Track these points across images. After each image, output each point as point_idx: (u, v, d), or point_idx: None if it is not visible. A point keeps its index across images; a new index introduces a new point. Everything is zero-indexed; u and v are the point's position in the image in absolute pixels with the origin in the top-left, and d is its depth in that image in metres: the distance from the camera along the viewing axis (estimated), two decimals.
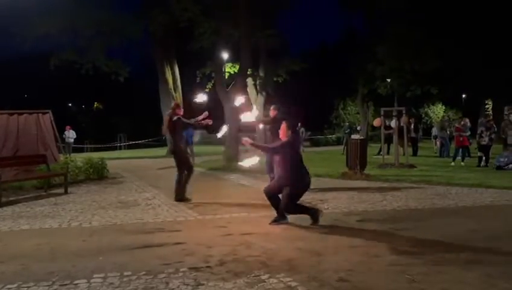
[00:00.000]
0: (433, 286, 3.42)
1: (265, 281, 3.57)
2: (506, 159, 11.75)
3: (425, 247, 4.51)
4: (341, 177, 10.33)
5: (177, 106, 7.79)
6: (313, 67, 28.71)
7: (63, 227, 5.83)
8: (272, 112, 8.16)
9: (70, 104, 47.72)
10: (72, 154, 17.26)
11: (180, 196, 7.52)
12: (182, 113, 7.69)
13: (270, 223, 5.66)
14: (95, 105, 49.29)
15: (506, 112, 13.66)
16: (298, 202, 5.60)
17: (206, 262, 4.10)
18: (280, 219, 5.67)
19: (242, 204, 7.30)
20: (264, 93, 26.34)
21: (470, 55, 24.30)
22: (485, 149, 12.68)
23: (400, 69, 26.33)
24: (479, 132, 12.87)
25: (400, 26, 24.90)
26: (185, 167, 7.58)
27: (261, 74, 25.81)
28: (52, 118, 11.73)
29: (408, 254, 4.28)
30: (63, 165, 10.61)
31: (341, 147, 19.36)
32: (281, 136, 5.75)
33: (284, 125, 5.71)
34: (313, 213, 5.60)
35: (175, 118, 7.44)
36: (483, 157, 12.63)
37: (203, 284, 3.52)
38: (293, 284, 3.50)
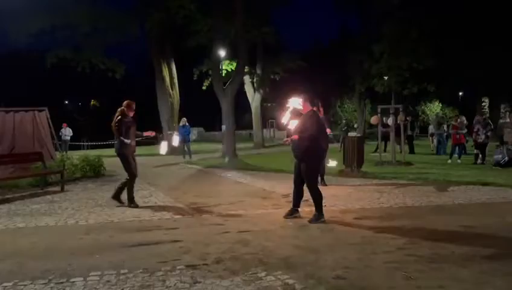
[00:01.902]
0: (429, 282, 3.43)
1: (262, 279, 3.57)
2: (500, 156, 11.80)
3: (421, 244, 4.52)
4: (338, 175, 10.34)
5: (128, 105, 7.01)
6: (310, 65, 28.70)
7: (59, 225, 5.81)
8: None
9: (66, 102, 47.57)
10: (69, 152, 17.22)
11: (116, 196, 7.05)
12: (132, 114, 7.04)
13: (309, 221, 5.59)
14: (92, 102, 49.16)
15: (502, 110, 13.72)
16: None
17: (203, 260, 4.10)
18: (319, 217, 5.61)
19: (239, 202, 7.30)
20: (260, 90, 26.37)
21: (467, 54, 24.39)
22: (481, 147, 12.73)
23: (396, 67, 26.40)
24: (475, 129, 12.91)
25: (396, 25, 24.96)
26: (128, 173, 6.93)
27: (258, 71, 25.83)
28: (48, 116, 11.68)
29: (404, 251, 4.29)
30: (59, 162, 10.59)
31: (338, 145, 19.36)
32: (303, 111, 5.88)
33: (302, 101, 5.90)
34: (320, 214, 5.63)
35: (118, 118, 6.81)
36: (480, 155, 12.68)
37: (200, 282, 3.52)
38: (290, 281, 3.50)
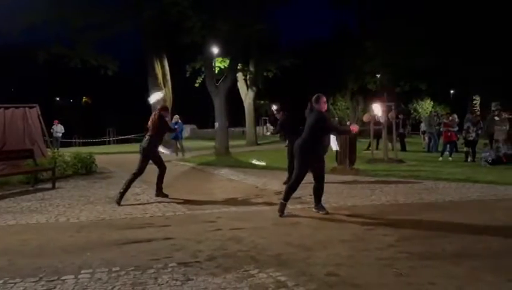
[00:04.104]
0: (420, 279, 3.45)
1: (254, 276, 3.58)
2: (488, 154, 11.93)
3: (413, 241, 4.55)
4: (331, 172, 10.33)
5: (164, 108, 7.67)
6: (303, 63, 28.71)
7: (50, 222, 5.77)
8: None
9: (58, 98, 47.16)
10: (60, 149, 17.08)
11: (158, 191, 7.55)
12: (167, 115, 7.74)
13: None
14: (83, 99, 48.80)
15: (493, 108, 13.80)
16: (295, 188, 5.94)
17: (195, 257, 4.10)
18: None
19: (232, 199, 7.31)
20: (254, 88, 26.36)
21: (459, 53, 24.57)
22: (471, 144, 12.84)
23: (389, 65, 26.52)
24: (465, 127, 13.01)
25: (389, 24, 25.08)
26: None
27: (251, 68, 25.80)
28: (39, 112, 11.58)
29: (396, 248, 4.31)
30: (50, 159, 10.50)
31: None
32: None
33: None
34: (281, 206, 5.91)
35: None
36: (470, 153, 12.79)
37: (192, 280, 3.52)
38: (282, 278, 3.51)
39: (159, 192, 7.53)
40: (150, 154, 7.22)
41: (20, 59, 29.91)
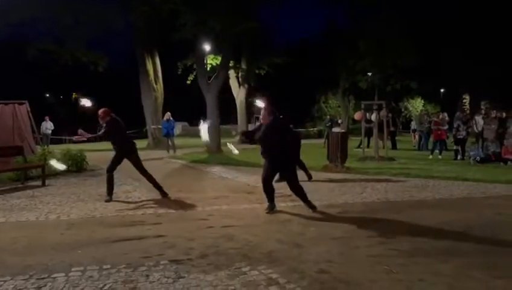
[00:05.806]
0: (410, 276, 3.49)
1: (246, 273, 3.59)
2: (476, 152, 12.07)
3: (403, 238, 4.60)
4: (322, 170, 10.42)
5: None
6: (295, 61, 28.72)
7: (40, 220, 5.72)
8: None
9: (47, 95, 46.63)
10: (50, 146, 16.91)
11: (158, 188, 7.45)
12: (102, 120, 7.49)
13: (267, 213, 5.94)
14: (74, 95, 48.29)
15: (482, 106, 13.99)
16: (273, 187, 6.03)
17: (187, 255, 4.10)
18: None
19: (223, 197, 7.31)
20: (246, 85, 26.33)
21: (449, 52, 24.77)
22: (461, 143, 12.98)
23: (380, 64, 26.66)
24: (455, 125, 13.14)
25: (380, 23, 25.18)
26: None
27: (243, 66, 25.76)
28: (29, 109, 11.46)
29: (386, 245, 4.35)
30: (40, 156, 10.40)
31: (322, 140, 19.48)
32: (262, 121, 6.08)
33: (264, 112, 6.04)
34: (271, 206, 5.99)
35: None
36: (460, 151, 12.93)
37: (183, 277, 3.52)
38: (274, 276, 3.52)
39: (161, 191, 7.31)
40: (119, 153, 7.16)
41: (9, 54, 29.47)
